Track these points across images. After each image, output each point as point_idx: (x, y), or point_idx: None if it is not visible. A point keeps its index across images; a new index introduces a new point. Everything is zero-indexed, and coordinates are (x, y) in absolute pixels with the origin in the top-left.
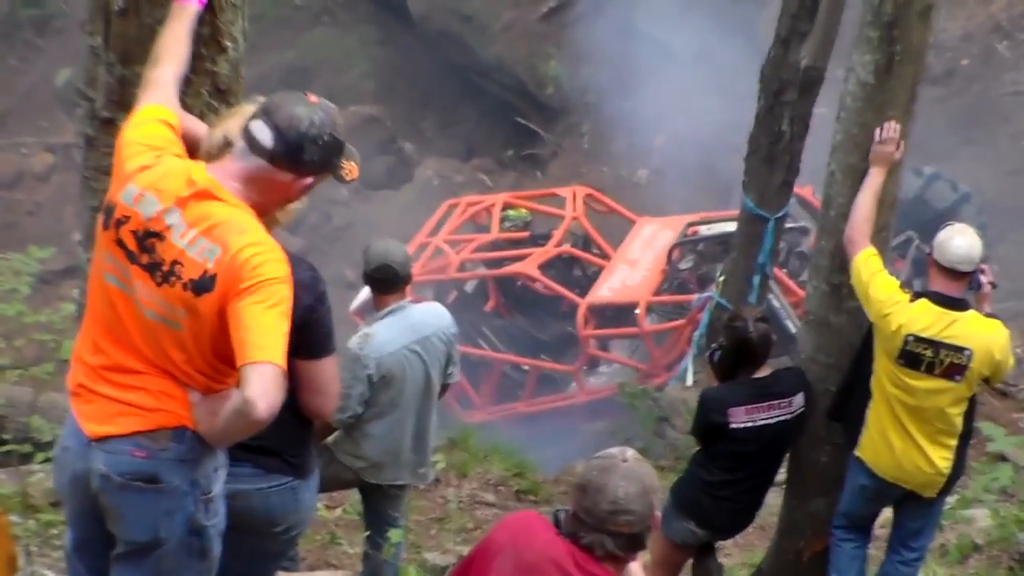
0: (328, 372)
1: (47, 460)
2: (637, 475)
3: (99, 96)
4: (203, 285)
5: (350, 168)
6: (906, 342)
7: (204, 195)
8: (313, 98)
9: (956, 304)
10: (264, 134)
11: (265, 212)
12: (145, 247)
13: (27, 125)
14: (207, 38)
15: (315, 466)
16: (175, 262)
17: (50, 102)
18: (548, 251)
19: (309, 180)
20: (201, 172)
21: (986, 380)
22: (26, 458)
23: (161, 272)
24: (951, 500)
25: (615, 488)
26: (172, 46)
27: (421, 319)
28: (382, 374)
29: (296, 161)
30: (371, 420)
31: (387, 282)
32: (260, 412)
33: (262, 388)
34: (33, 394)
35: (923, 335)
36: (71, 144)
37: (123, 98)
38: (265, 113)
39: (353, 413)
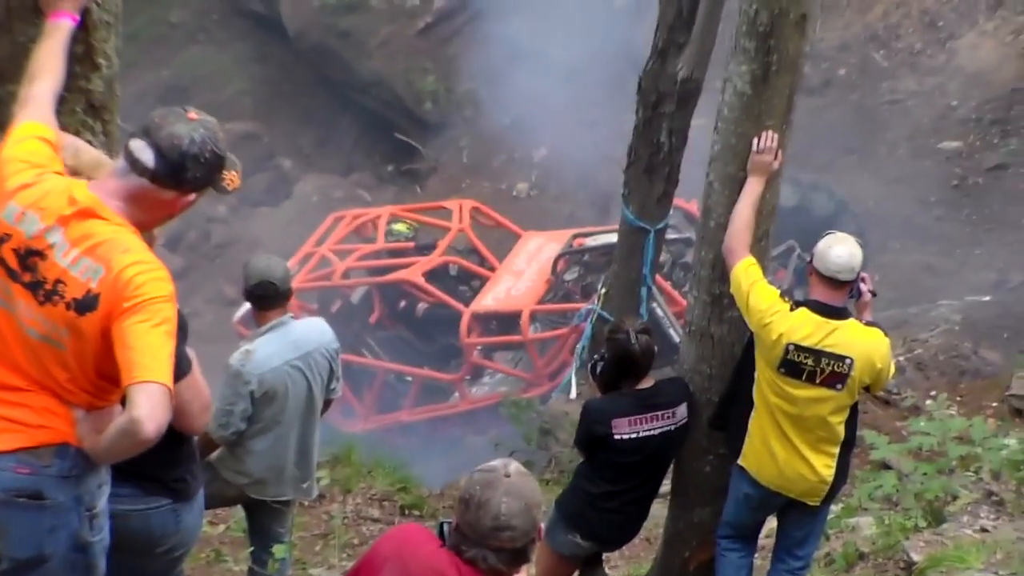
0: (184, 394)
1: None
2: (520, 490)
3: None
4: (86, 304)
5: (231, 178)
6: (787, 351)
7: (87, 214)
8: (193, 114)
9: (837, 313)
10: (145, 154)
11: (147, 229)
12: (27, 265)
13: None
14: (81, 56)
15: (198, 488)
16: (58, 281)
17: None
18: (433, 260)
19: (192, 197)
20: (83, 190)
21: (867, 388)
22: None
23: (44, 291)
24: (835, 508)
25: (498, 504)
26: (47, 63)
27: (303, 335)
28: (264, 390)
29: (178, 180)
30: (254, 436)
31: (267, 298)
32: (147, 432)
33: (149, 408)
34: None
35: (804, 344)
36: None
37: None
38: (145, 132)
39: (236, 430)
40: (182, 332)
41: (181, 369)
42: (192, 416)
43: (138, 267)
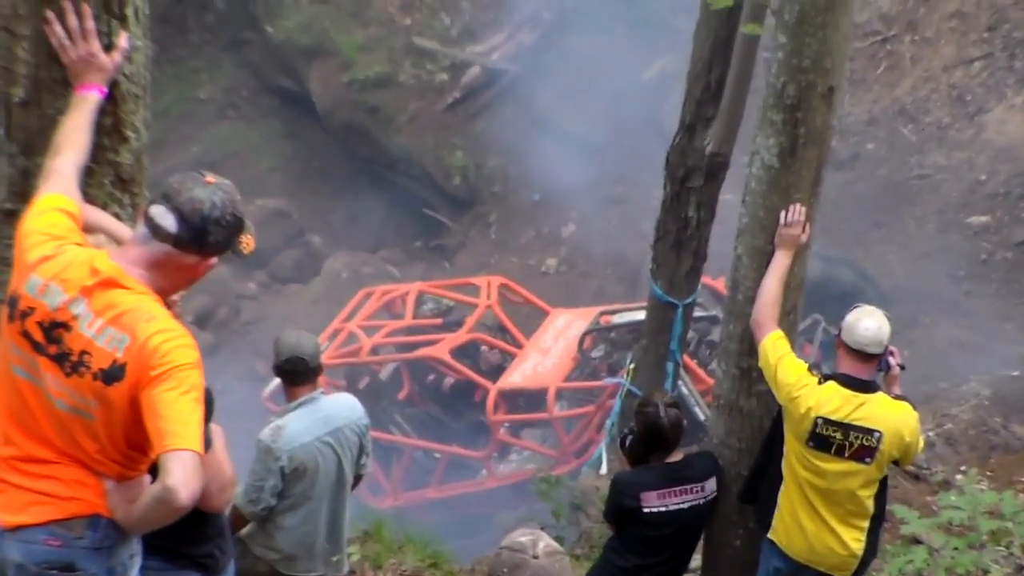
0: (207, 471)
1: None
2: (547, 572)
3: (1, 188)
4: (113, 374)
5: (247, 241)
6: (815, 425)
7: (109, 283)
8: (211, 178)
9: (865, 386)
10: (167, 219)
11: (169, 294)
12: (52, 338)
13: None
14: (109, 128)
15: (228, 562)
16: (84, 352)
17: None
18: (460, 336)
19: (213, 260)
20: (104, 260)
21: (896, 462)
22: None
23: (70, 363)
24: None
25: None
26: (72, 135)
27: (333, 411)
28: (294, 466)
29: (201, 244)
30: (284, 512)
31: (298, 374)
32: (182, 499)
33: (183, 476)
34: None
35: (832, 418)
36: None
37: (25, 189)
38: (166, 198)
39: (266, 505)
40: (208, 407)
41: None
42: (210, 495)
43: (164, 335)
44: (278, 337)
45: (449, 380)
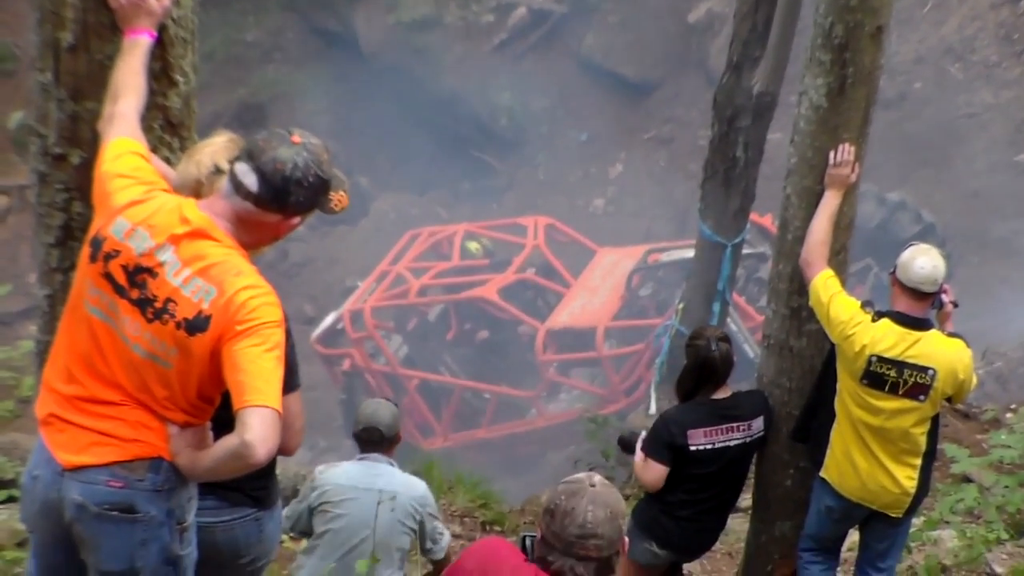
0: (293, 407)
1: (11, 499)
2: (605, 499)
3: (51, 133)
4: (197, 325)
5: (338, 199)
6: (870, 362)
7: (199, 234)
8: (297, 137)
9: (919, 324)
10: (249, 178)
11: (252, 249)
12: (135, 282)
13: None
14: (158, 72)
15: (278, 496)
16: (168, 300)
17: (3, 144)
18: (508, 277)
19: (296, 220)
20: (194, 210)
21: (949, 399)
22: None
23: (153, 309)
24: (918, 521)
25: (583, 512)
26: (130, 80)
27: (390, 478)
28: (321, 502)
29: (282, 204)
30: (307, 552)
31: (373, 443)
32: (259, 456)
33: (263, 432)
34: None
35: (886, 355)
36: (25, 186)
37: (75, 134)
38: (249, 156)
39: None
40: (291, 348)
41: (295, 382)
42: (294, 431)
43: (251, 291)
44: (359, 405)
45: (482, 334)
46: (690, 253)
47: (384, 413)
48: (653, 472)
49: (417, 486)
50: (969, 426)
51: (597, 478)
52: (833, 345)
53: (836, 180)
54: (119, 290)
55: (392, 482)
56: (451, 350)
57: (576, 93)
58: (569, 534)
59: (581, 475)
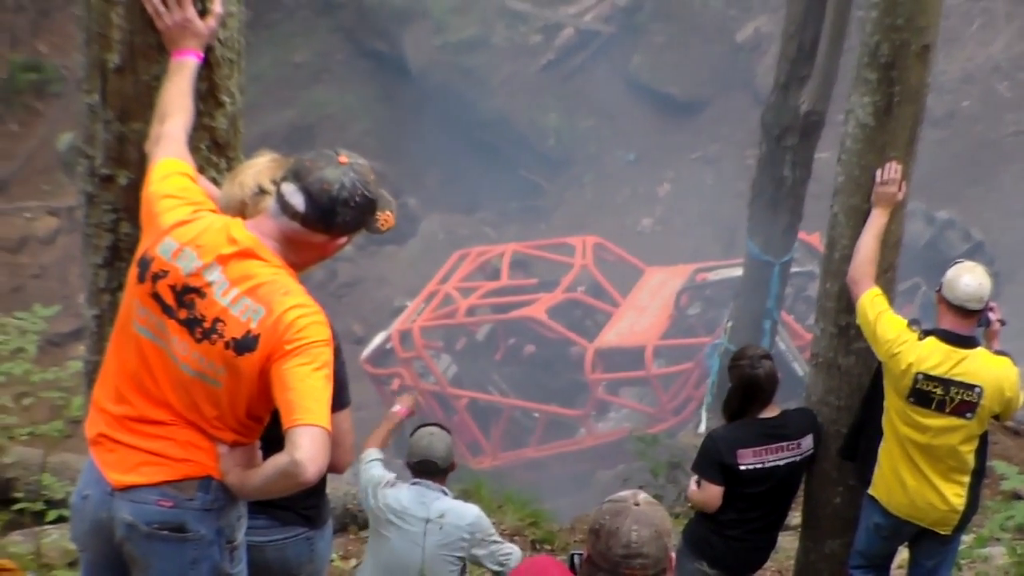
0: (343, 425)
1: (60, 519)
2: (649, 518)
3: (98, 153)
4: (246, 344)
5: (385, 218)
6: (916, 380)
7: (247, 254)
8: (344, 158)
9: (965, 342)
10: (296, 198)
11: (299, 270)
12: (183, 302)
13: (30, 189)
14: (204, 93)
15: (329, 515)
16: (217, 320)
17: (52, 166)
18: (557, 296)
19: (343, 240)
20: (241, 230)
21: (996, 417)
22: (38, 516)
23: (201, 328)
24: (967, 539)
25: (628, 531)
26: (177, 100)
27: (438, 504)
28: (376, 516)
29: (328, 224)
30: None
31: (427, 473)
32: (309, 475)
33: (312, 451)
34: (43, 453)
35: (933, 373)
36: (74, 207)
37: (122, 155)
38: (296, 176)
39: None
40: (342, 365)
41: (345, 400)
42: (344, 449)
43: (299, 310)
44: (412, 435)
45: (530, 348)
46: (738, 272)
47: (439, 445)
48: (708, 493)
49: (466, 514)
50: (1019, 443)
51: (642, 496)
52: (880, 363)
53: (883, 198)
54: (167, 310)
55: (440, 509)
56: (500, 369)
57: (623, 113)
58: (614, 554)
59: (626, 493)
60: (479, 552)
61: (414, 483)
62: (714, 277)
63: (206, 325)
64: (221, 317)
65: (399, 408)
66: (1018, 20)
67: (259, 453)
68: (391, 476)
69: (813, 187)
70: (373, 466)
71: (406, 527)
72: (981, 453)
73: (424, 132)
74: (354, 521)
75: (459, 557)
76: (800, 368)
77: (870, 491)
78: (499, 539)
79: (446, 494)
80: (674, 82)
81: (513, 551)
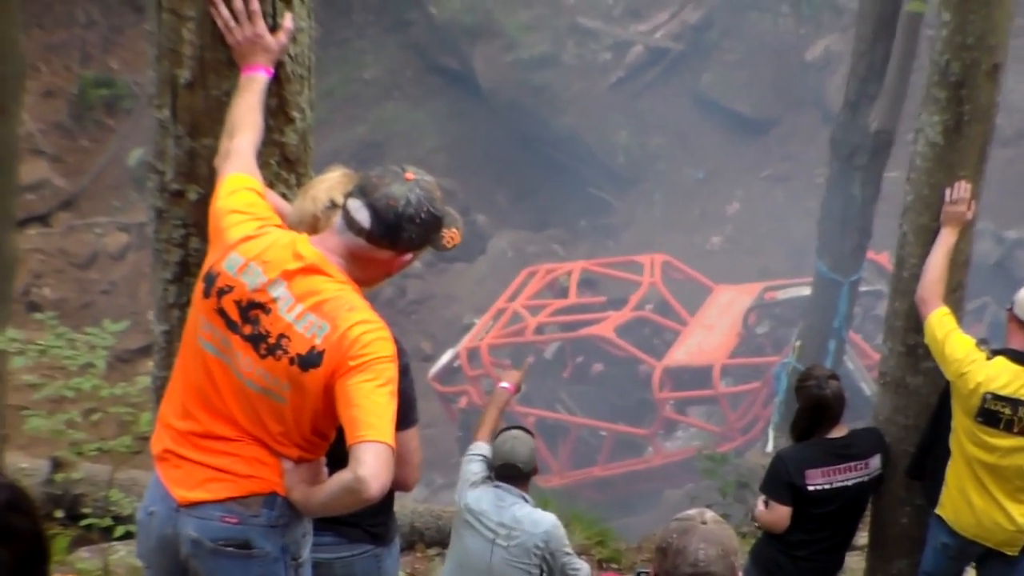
0: (411, 443)
1: (128, 535)
2: (716, 537)
3: (168, 169)
4: (311, 360)
5: (451, 236)
6: (984, 400)
7: (312, 270)
8: (411, 174)
9: None
10: (361, 214)
11: (365, 286)
12: (248, 318)
13: (100, 205)
14: (275, 109)
15: (396, 532)
16: (282, 336)
17: (122, 182)
18: (625, 314)
19: (408, 257)
20: (307, 246)
21: None
22: (106, 532)
23: (266, 344)
24: None
25: (695, 550)
26: (247, 116)
27: (514, 510)
28: (458, 513)
29: (394, 240)
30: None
31: (511, 478)
32: (372, 491)
33: (376, 468)
34: (111, 469)
35: (1001, 393)
36: (144, 223)
37: (192, 170)
38: (362, 192)
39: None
40: (410, 383)
41: (412, 418)
42: (411, 467)
43: (364, 326)
44: (497, 440)
45: (598, 366)
46: (807, 291)
47: (521, 449)
48: (776, 514)
49: (542, 522)
50: None
51: (709, 515)
52: (948, 382)
53: (952, 217)
54: (232, 326)
55: (513, 517)
56: (568, 388)
57: (693, 130)
58: (681, 572)
59: (693, 512)
60: (553, 561)
61: (496, 485)
62: (783, 296)
63: (271, 341)
64: (286, 333)
65: (506, 385)
66: None
67: (324, 470)
68: (481, 475)
69: (882, 206)
70: (471, 461)
71: (480, 529)
72: None
73: (494, 149)
74: (421, 539)
75: (533, 565)
76: (868, 388)
77: (937, 511)
78: (571, 552)
79: (526, 500)
80: (744, 100)
81: (583, 567)
